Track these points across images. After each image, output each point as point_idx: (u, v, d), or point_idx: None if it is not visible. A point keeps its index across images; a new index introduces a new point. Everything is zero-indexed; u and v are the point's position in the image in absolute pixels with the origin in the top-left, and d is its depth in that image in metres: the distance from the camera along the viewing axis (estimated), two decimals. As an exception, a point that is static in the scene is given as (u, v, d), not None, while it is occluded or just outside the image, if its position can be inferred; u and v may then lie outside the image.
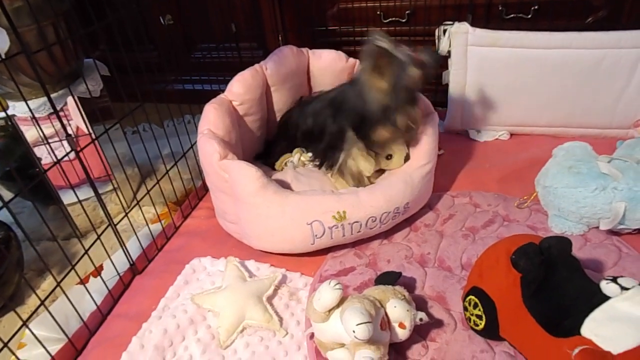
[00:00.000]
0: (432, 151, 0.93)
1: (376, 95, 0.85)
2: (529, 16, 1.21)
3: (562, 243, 0.63)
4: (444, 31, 1.13)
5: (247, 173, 0.82)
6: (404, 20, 1.31)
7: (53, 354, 0.72)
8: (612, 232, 0.85)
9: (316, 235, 0.83)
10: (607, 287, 0.59)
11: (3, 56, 0.67)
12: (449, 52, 1.14)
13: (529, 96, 1.13)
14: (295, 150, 1.06)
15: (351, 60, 1.11)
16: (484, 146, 1.19)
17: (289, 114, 1.08)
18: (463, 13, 1.24)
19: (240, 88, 0.98)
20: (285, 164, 1.06)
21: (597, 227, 0.85)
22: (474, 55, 1.12)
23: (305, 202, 0.83)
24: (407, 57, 0.81)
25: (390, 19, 1.32)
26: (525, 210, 0.93)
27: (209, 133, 0.90)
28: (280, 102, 1.10)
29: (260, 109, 1.05)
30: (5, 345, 0.63)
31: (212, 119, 0.91)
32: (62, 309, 0.81)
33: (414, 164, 0.92)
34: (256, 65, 1.03)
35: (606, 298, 0.57)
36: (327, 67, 1.12)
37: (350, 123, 0.91)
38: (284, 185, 0.94)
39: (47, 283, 0.96)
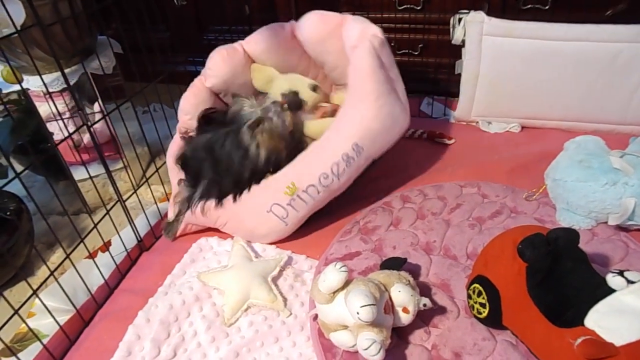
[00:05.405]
0: (375, 87, 0.85)
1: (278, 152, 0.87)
2: (547, 7, 1.19)
3: (570, 235, 0.63)
4: (459, 20, 1.12)
5: (198, 213, 0.88)
6: (418, 8, 1.30)
7: (61, 324, 0.74)
8: (621, 228, 0.84)
9: (283, 217, 0.85)
10: (613, 280, 0.58)
11: (18, 28, 0.67)
12: (463, 41, 1.13)
13: (542, 89, 1.11)
14: None
15: (287, 24, 1.03)
16: (495, 138, 1.18)
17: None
18: (479, 2, 1.22)
19: (190, 112, 0.97)
20: None
21: (606, 222, 0.84)
22: (488, 45, 1.10)
23: (253, 195, 0.85)
24: (275, 108, 0.86)
25: (404, 6, 1.31)
26: (533, 203, 0.92)
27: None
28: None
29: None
30: (16, 312, 0.64)
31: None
32: (70, 281, 0.82)
33: (357, 109, 0.86)
34: (194, 82, 1.01)
35: (611, 291, 0.57)
36: (271, 46, 1.02)
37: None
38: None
39: (56, 256, 0.98)
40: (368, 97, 0.85)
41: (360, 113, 0.85)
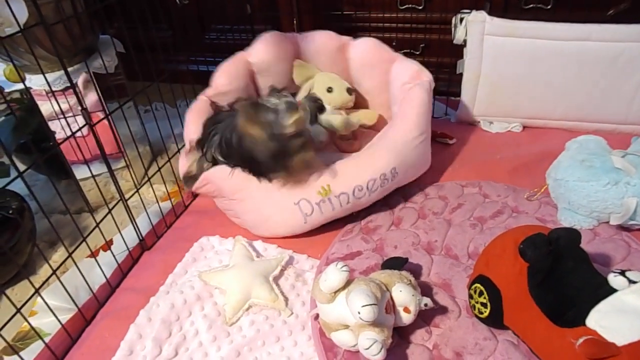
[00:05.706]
0: (422, 122, 0.93)
1: (254, 142, 0.82)
2: (549, 7, 1.19)
3: (571, 234, 0.63)
4: (461, 19, 1.12)
5: (223, 175, 0.86)
6: (420, 7, 1.30)
7: (63, 322, 0.74)
8: (622, 228, 0.84)
9: (306, 214, 0.85)
10: (614, 279, 0.58)
11: (22, 27, 0.67)
12: (464, 41, 1.13)
13: (544, 88, 1.11)
14: None
15: (344, 38, 1.11)
16: (496, 137, 1.18)
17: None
18: (481, 1, 1.21)
19: (224, 79, 1.03)
20: None
21: (607, 222, 0.84)
22: (490, 44, 1.10)
23: (288, 184, 0.85)
24: (285, 104, 0.82)
25: (406, 6, 1.31)
26: (534, 203, 0.92)
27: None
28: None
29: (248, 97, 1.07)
30: (18, 311, 0.64)
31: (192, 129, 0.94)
32: (72, 280, 0.82)
33: (402, 134, 0.91)
34: (238, 54, 1.07)
35: (613, 290, 0.57)
36: (321, 49, 1.12)
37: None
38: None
39: (58, 255, 0.98)
40: (414, 128, 0.92)
41: (404, 140, 0.90)
